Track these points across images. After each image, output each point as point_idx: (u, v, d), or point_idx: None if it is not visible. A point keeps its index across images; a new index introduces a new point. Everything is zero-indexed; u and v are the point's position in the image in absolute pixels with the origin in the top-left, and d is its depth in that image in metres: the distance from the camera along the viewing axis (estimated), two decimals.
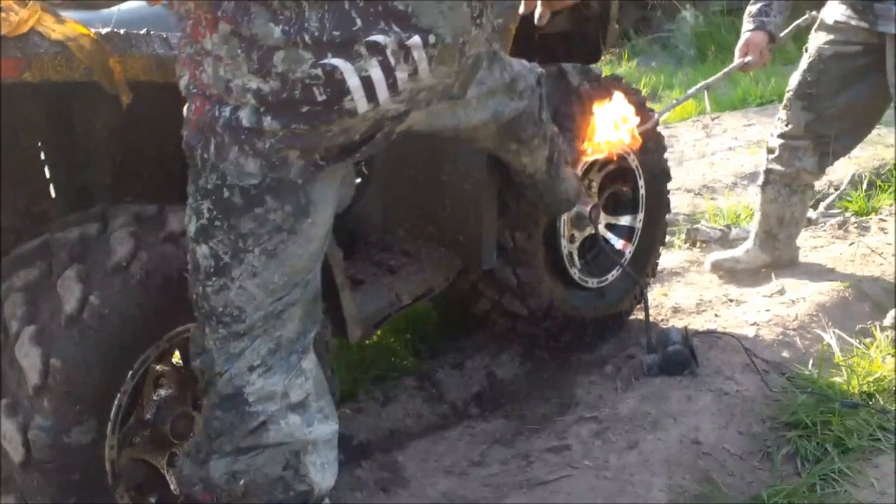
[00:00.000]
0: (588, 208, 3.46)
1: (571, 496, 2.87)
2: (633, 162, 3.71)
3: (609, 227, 3.80)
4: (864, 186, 5.65)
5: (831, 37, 4.09)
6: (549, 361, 3.81)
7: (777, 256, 4.54)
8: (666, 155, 4.00)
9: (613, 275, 3.76)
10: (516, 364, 3.80)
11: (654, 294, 4.35)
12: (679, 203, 5.36)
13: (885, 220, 5.19)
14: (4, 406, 2.13)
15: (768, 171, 4.42)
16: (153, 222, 2.31)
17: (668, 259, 4.67)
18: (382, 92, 1.80)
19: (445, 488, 3.00)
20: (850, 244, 4.86)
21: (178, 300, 2.15)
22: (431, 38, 1.81)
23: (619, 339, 3.93)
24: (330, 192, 2.00)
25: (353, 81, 1.77)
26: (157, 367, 2.38)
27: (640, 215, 3.83)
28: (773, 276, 4.45)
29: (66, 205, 2.65)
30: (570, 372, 3.74)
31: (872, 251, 4.68)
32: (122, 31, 2.15)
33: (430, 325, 4.08)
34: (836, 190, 5.67)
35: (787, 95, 4.30)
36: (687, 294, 4.42)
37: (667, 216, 4.10)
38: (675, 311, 4.24)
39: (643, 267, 3.94)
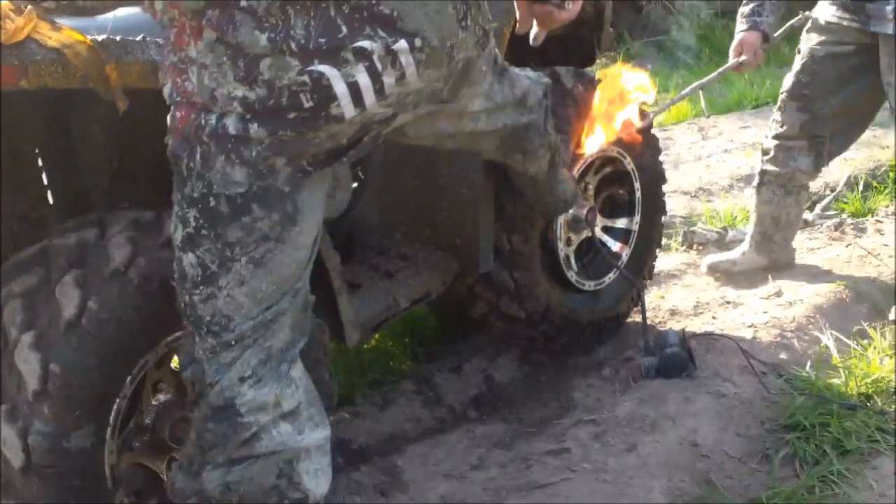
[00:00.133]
0: (584, 211, 3.47)
1: (570, 499, 2.87)
2: (629, 165, 3.71)
3: (605, 229, 3.81)
4: (861, 188, 5.66)
5: (823, 37, 4.11)
6: (546, 364, 3.82)
7: (773, 258, 4.54)
8: (661, 157, 4.00)
9: (610, 277, 3.76)
10: (514, 367, 3.80)
11: (652, 296, 4.36)
12: (675, 205, 5.37)
13: (881, 222, 5.20)
14: (4, 412, 2.13)
15: (763, 173, 4.43)
16: (151, 228, 2.31)
17: (664, 261, 4.67)
18: (369, 97, 1.79)
19: (444, 492, 3.00)
20: (847, 246, 4.86)
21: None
22: (418, 42, 1.80)
23: (616, 342, 3.93)
24: (317, 199, 1.99)
25: (340, 88, 1.76)
26: (156, 372, 2.37)
27: (637, 218, 3.84)
28: (769, 278, 4.45)
29: (64, 211, 2.66)
30: (568, 375, 3.74)
31: (869, 253, 4.68)
32: (117, 38, 2.15)
33: (427, 328, 4.08)
34: (832, 192, 5.68)
35: (782, 97, 4.31)
36: (684, 296, 4.42)
37: (663, 219, 4.11)
38: (673, 313, 4.24)
39: (640, 269, 3.95)
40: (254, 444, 2.02)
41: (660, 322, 4.16)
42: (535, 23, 2.34)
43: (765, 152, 4.41)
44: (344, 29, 1.73)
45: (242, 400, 1.98)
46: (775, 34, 4.20)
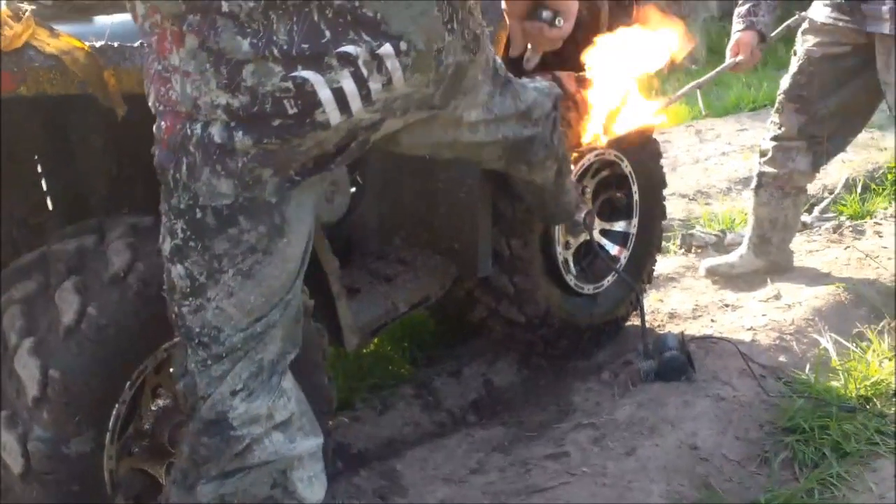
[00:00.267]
0: (583, 214, 3.47)
1: (570, 503, 2.87)
2: (627, 168, 3.72)
3: (604, 232, 3.81)
4: (859, 190, 5.67)
5: (819, 39, 4.12)
6: (546, 368, 3.82)
7: (771, 261, 4.55)
8: (661, 161, 4.01)
9: (609, 281, 3.77)
10: (513, 371, 3.81)
11: (650, 300, 4.36)
12: (674, 208, 5.37)
13: (879, 224, 5.21)
14: (4, 418, 2.13)
15: (761, 175, 4.44)
16: (150, 233, 2.30)
17: (663, 265, 4.67)
18: (356, 103, 1.76)
19: (444, 496, 3.00)
20: (846, 248, 4.87)
21: None
22: (403, 46, 1.76)
23: (615, 346, 3.94)
24: (306, 210, 1.96)
25: (325, 94, 1.72)
26: (155, 377, 2.37)
27: (635, 221, 3.84)
28: (768, 280, 4.46)
29: (63, 216, 2.66)
30: (568, 379, 3.74)
31: (867, 255, 4.69)
32: (115, 44, 2.15)
33: (426, 333, 4.08)
34: (830, 194, 5.68)
35: (779, 99, 4.32)
36: (683, 299, 4.43)
37: (662, 223, 4.12)
38: (672, 316, 4.25)
39: (639, 273, 3.95)
40: (246, 456, 2.00)
41: (659, 325, 4.16)
42: (528, 46, 2.30)
43: (762, 154, 4.42)
44: (327, 34, 1.70)
45: (234, 413, 1.97)
46: (772, 34, 4.22)
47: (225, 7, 1.67)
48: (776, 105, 4.36)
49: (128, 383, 2.23)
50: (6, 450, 2.11)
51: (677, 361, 3.52)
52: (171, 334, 2.23)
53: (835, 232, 5.15)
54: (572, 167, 3.34)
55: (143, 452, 2.42)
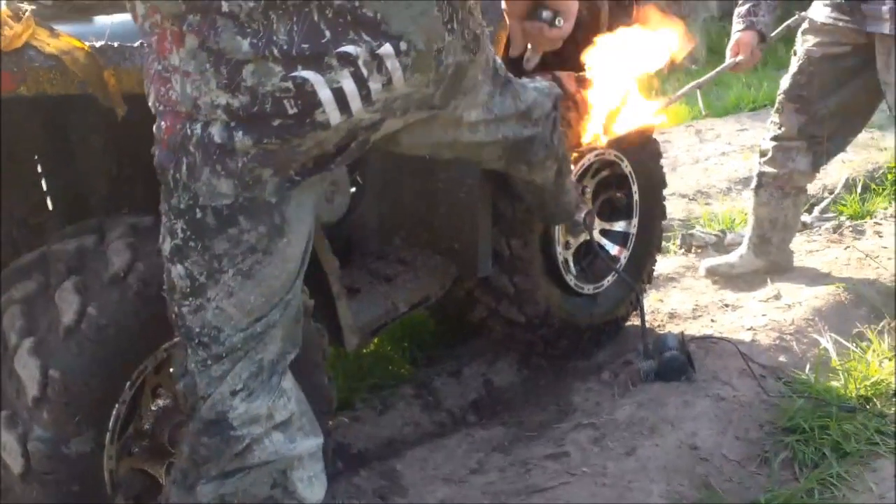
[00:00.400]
0: (583, 214, 3.47)
1: (570, 503, 2.88)
2: (627, 168, 3.72)
3: (604, 232, 3.81)
4: (859, 190, 5.67)
5: (819, 39, 4.13)
6: (545, 369, 3.82)
7: (771, 261, 4.55)
8: (662, 161, 4.01)
9: (609, 280, 3.77)
10: (513, 371, 3.81)
11: (650, 300, 4.36)
12: (673, 208, 5.38)
13: (879, 224, 5.21)
14: (4, 418, 2.13)
15: (761, 175, 4.44)
16: (150, 233, 2.30)
17: (663, 265, 4.67)
18: (356, 103, 1.75)
19: (444, 496, 3.00)
20: (846, 248, 4.87)
21: None
22: (403, 46, 1.76)
23: (615, 346, 3.94)
24: (306, 210, 1.96)
25: (325, 94, 1.72)
26: (155, 377, 2.37)
27: (635, 221, 3.84)
28: (768, 280, 4.46)
29: (63, 217, 2.66)
30: (568, 379, 3.74)
31: (868, 255, 4.69)
32: (116, 44, 2.16)
33: (426, 333, 4.09)
34: (830, 194, 5.69)
35: (779, 99, 4.33)
36: (683, 300, 4.43)
37: (662, 223, 4.12)
38: (672, 316, 4.25)
39: (639, 273, 3.95)
40: (246, 456, 2.00)
41: (658, 325, 4.16)
42: (528, 46, 2.28)
43: (762, 154, 4.43)
44: (327, 34, 1.69)
45: (234, 414, 1.97)
46: (772, 34, 4.22)
47: (225, 7, 1.67)
48: (776, 105, 4.37)
49: (128, 383, 2.23)
50: (6, 450, 2.11)
51: (677, 361, 3.52)
52: (171, 334, 2.23)
53: (835, 232, 5.16)
54: (572, 167, 3.34)
55: (143, 452, 2.42)
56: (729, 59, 4.21)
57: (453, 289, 3.39)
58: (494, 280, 3.42)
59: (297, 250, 1.96)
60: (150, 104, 1.87)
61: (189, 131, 1.78)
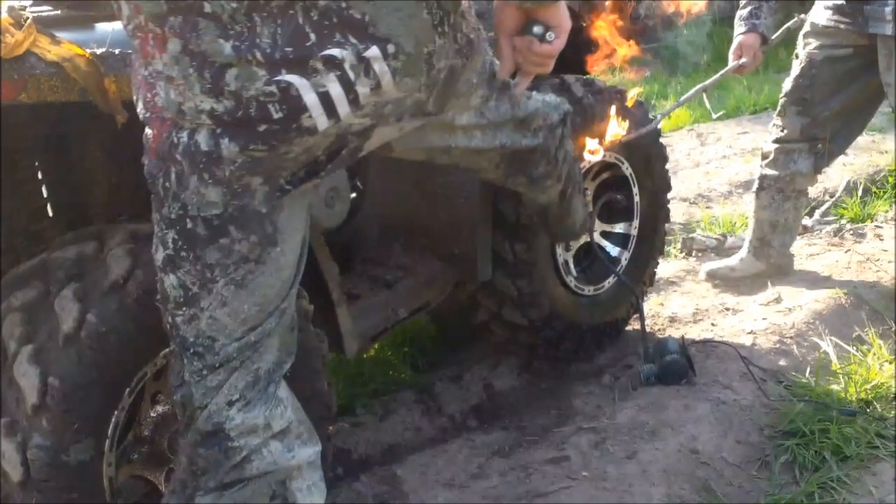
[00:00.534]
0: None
1: None
2: (628, 170, 3.73)
3: (604, 234, 3.82)
4: (860, 193, 5.67)
5: (821, 41, 4.14)
6: (546, 373, 3.82)
7: (771, 264, 4.55)
8: (667, 166, 4.02)
9: (610, 282, 3.77)
10: (514, 376, 3.81)
11: (651, 304, 4.37)
12: (674, 212, 5.35)
13: (880, 227, 5.21)
14: (3, 425, 2.14)
15: (763, 178, 4.45)
16: (149, 241, 2.29)
17: (664, 268, 4.67)
18: (343, 107, 1.72)
19: (444, 501, 3.00)
20: (846, 251, 4.87)
21: None
22: (391, 49, 1.71)
23: (616, 350, 3.94)
24: (299, 219, 1.95)
25: (310, 98, 1.69)
26: (154, 384, 2.37)
27: (636, 223, 3.85)
28: (769, 284, 4.46)
29: (63, 224, 2.67)
30: (568, 383, 3.74)
31: (868, 258, 4.69)
32: (116, 52, 2.16)
33: (427, 338, 4.09)
34: (831, 197, 5.69)
35: (782, 101, 4.34)
36: (683, 303, 4.43)
37: (666, 226, 4.12)
38: (672, 320, 4.25)
39: (640, 275, 3.96)
40: (245, 467, 2.00)
41: (659, 329, 4.16)
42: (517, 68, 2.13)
43: (764, 156, 4.43)
44: (312, 36, 1.66)
45: (231, 424, 1.96)
46: (773, 36, 4.23)
47: (207, 8, 1.65)
48: (778, 108, 4.37)
49: (127, 390, 2.24)
50: (6, 458, 2.12)
51: (678, 365, 3.52)
52: (170, 341, 2.24)
53: (835, 235, 5.16)
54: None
55: (143, 459, 2.42)
56: (732, 62, 4.21)
57: (455, 293, 3.39)
58: (498, 284, 3.42)
59: (290, 259, 1.95)
60: (138, 111, 1.86)
61: (175, 139, 1.77)
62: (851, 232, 5.17)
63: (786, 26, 4.42)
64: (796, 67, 4.26)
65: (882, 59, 3.92)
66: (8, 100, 2.02)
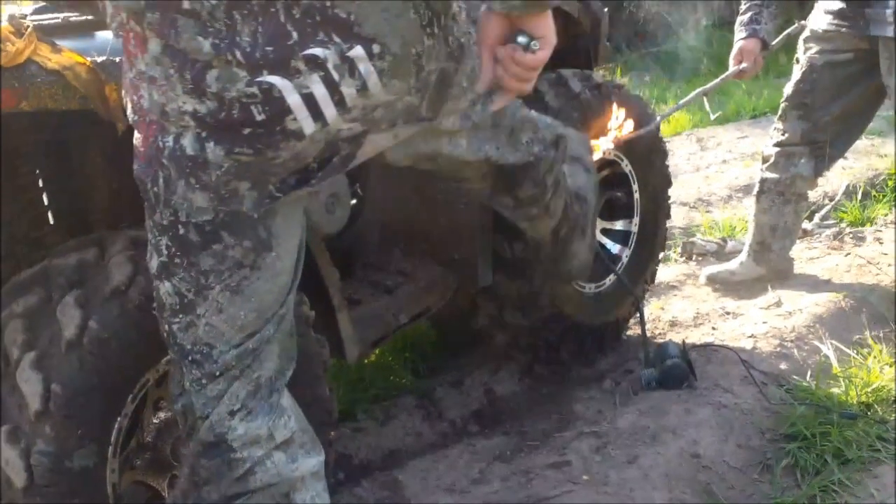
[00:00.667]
0: None
1: None
2: (627, 167, 3.73)
3: (605, 231, 3.83)
4: (859, 197, 5.68)
5: (821, 46, 4.15)
6: (547, 377, 3.82)
7: (771, 268, 4.56)
8: (668, 161, 4.04)
9: (611, 279, 3.78)
10: (515, 381, 3.81)
11: (651, 308, 4.37)
12: (674, 216, 5.36)
13: (880, 231, 5.22)
14: (6, 432, 2.13)
15: (763, 181, 4.45)
16: None
17: (664, 273, 4.68)
18: (329, 110, 1.66)
19: None
20: (846, 255, 4.88)
21: None
22: (376, 49, 1.65)
23: (616, 354, 3.94)
24: (293, 223, 1.92)
25: (294, 99, 1.64)
26: (157, 391, 2.38)
27: (636, 219, 3.86)
28: (769, 288, 4.46)
29: (64, 231, 2.67)
30: (569, 387, 3.74)
31: (868, 262, 4.69)
32: (117, 59, 2.16)
33: (428, 343, 4.09)
34: (830, 201, 5.70)
35: (783, 105, 4.35)
36: (684, 307, 4.43)
37: (667, 223, 4.13)
38: (673, 324, 4.25)
39: (642, 273, 3.98)
40: (248, 479, 1.97)
41: (660, 333, 4.17)
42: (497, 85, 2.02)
43: (765, 160, 4.44)
44: (294, 35, 1.61)
45: (234, 435, 1.93)
46: (774, 41, 4.24)
47: (186, 4, 1.61)
48: (779, 112, 4.38)
49: (130, 396, 2.24)
50: (9, 464, 2.12)
51: (679, 369, 3.53)
52: None
53: (835, 239, 5.16)
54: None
55: (146, 465, 2.42)
56: (732, 67, 4.22)
57: (455, 298, 3.40)
58: (497, 285, 3.42)
59: (287, 264, 1.92)
60: (128, 115, 1.83)
61: (161, 143, 1.74)
62: (851, 235, 5.18)
63: (786, 32, 4.44)
64: (797, 72, 4.27)
65: (884, 61, 3.93)
66: (9, 108, 2.02)
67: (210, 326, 1.87)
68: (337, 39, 1.63)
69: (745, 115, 8.18)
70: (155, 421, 2.43)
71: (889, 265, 4.60)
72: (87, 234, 2.49)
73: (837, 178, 5.85)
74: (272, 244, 1.86)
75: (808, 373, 3.61)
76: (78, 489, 2.15)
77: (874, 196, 5.74)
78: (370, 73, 1.67)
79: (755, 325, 4.08)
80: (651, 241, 3.99)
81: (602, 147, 3.42)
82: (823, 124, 4.23)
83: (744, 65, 4.18)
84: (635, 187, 3.82)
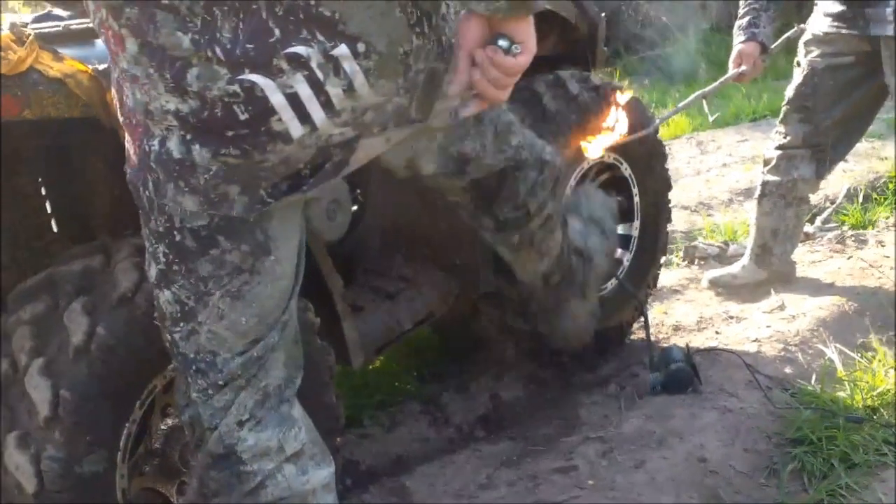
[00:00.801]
0: None
1: None
2: (627, 171, 3.73)
3: None
4: (861, 200, 5.68)
5: (822, 49, 4.15)
6: (552, 382, 3.81)
7: (774, 272, 4.55)
8: (667, 165, 4.03)
9: (612, 283, 3.77)
10: (520, 386, 3.80)
11: (655, 312, 4.37)
12: (676, 220, 5.36)
13: (881, 234, 5.21)
14: (16, 438, 2.14)
15: (765, 184, 4.45)
16: None
17: (666, 277, 4.68)
18: (317, 112, 1.64)
19: None
20: (848, 258, 4.87)
21: None
22: (361, 47, 1.63)
23: (621, 359, 3.94)
24: (291, 225, 1.89)
25: (277, 99, 1.61)
26: (165, 396, 2.38)
27: (637, 223, 3.86)
28: (772, 291, 4.46)
29: (67, 238, 2.67)
30: (574, 392, 3.74)
31: (870, 265, 4.69)
32: None
33: (432, 348, 4.08)
34: (832, 204, 5.69)
35: (784, 109, 4.35)
36: (687, 312, 4.43)
37: (669, 227, 4.13)
38: (676, 328, 4.25)
39: (644, 277, 3.97)
40: (259, 493, 1.95)
41: (663, 338, 4.16)
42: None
43: (766, 163, 4.44)
44: (276, 32, 1.58)
45: (244, 446, 1.92)
46: (773, 45, 4.24)
47: None
48: (781, 115, 4.38)
49: (138, 402, 2.24)
50: (20, 470, 2.12)
51: (683, 374, 3.52)
52: None
53: (837, 242, 5.16)
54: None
55: (155, 471, 2.42)
56: (731, 71, 4.23)
57: (457, 303, 3.40)
58: (499, 289, 3.41)
59: (286, 268, 1.91)
60: (118, 116, 1.83)
61: (147, 147, 1.73)
62: (853, 238, 5.18)
63: (785, 36, 4.44)
64: (798, 75, 4.26)
65: (886, 62, 3.93)
66: (11, 116, 2.03)
67: (212, 334, 1.86)
68: (321, 38, 1.61)
69: (745, 119, 8.17)
70: (163, 427, 2.43)
71: (891, 268, 4.59)
72: (89, 241, 2.50)
73: (838, 180, 5.84)
74: (270, 248, 1.85)
75: (813, 377, 3.60)
76: (88, 494, 2.16)
77: (875, 199, 5.74)
78: (356, 72, 1.65)
79: (759, 328, 4.08)
80: (652, 245, 3.98)
81: (601, 148, 3.42)
82: (825, 127, 4.23)
83: (743, 68, 4.18)
84: (635, 191, 3.81)
